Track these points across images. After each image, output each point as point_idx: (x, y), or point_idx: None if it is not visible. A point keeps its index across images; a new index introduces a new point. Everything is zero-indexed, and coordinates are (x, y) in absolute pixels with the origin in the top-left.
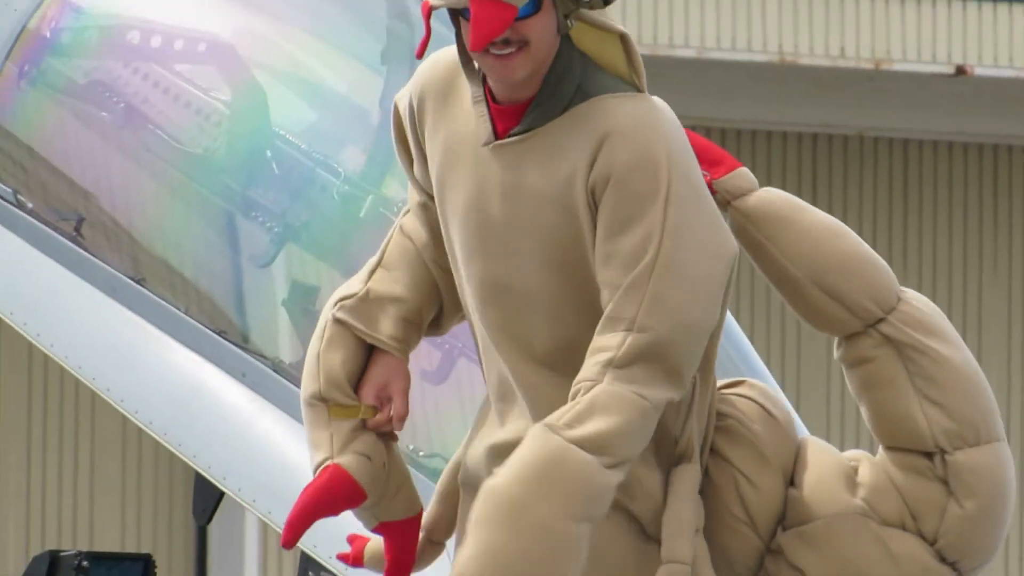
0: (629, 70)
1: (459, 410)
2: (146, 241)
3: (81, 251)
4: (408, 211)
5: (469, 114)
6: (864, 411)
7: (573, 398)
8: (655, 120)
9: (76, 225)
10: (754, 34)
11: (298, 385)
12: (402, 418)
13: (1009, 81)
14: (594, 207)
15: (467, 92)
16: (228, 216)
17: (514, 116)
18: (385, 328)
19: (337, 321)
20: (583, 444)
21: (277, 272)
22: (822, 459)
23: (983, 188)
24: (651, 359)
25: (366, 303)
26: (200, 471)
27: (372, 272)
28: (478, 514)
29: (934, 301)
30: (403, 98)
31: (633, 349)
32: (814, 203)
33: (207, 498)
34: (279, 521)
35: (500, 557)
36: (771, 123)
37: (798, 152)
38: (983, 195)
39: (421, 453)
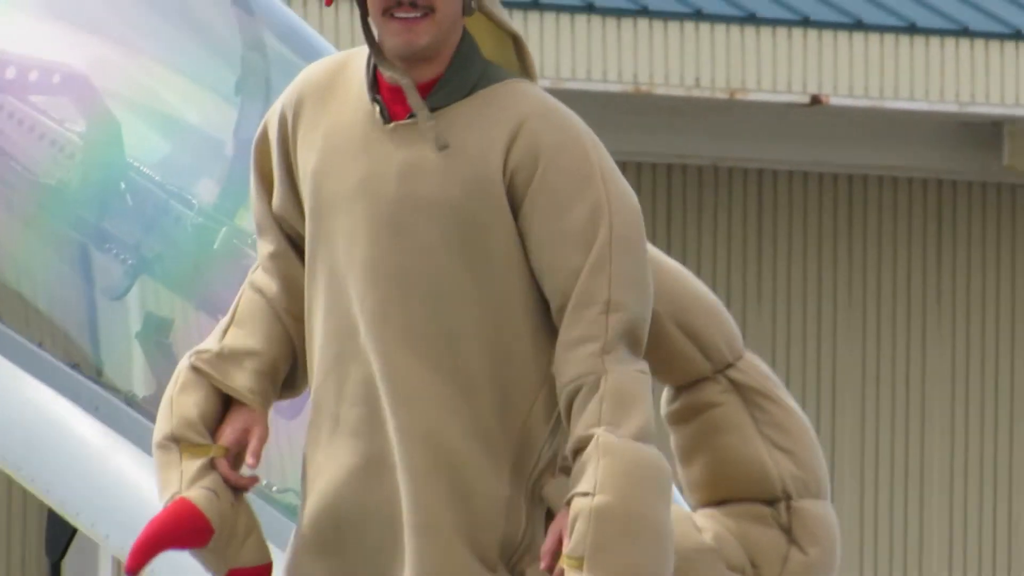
0: (521, 71)
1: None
2: (3, 275)
3: None
4: (257, 267)
5: (357, 104)
6: (700, 463)
7: (574, 394)
8: (562, 104)
9: None
10: (609, 64)
11: (152, 420)
12: (256, 455)
13: (864, 111)
14: (513, 189)
15: (353, 85)
16: (82, 248)
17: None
18: (241, 380)
19: (193, 368)
20: (640, 438)
21: (131, 304)
22: (702, 500)
23: (838, 217)
24: (629, 335)
25: (221, 359)
26: (52, 506)
27: (225, 330)
28: (598, 539)
29: (788, 331)
30: (274, 112)
31: (615, 329)
32: (669, 234)
33: (60, 533)
34: None
35: (645, 571)
36: (626, 153)
37: (652, 182)
38: (838, 224)
39: (275, 488)
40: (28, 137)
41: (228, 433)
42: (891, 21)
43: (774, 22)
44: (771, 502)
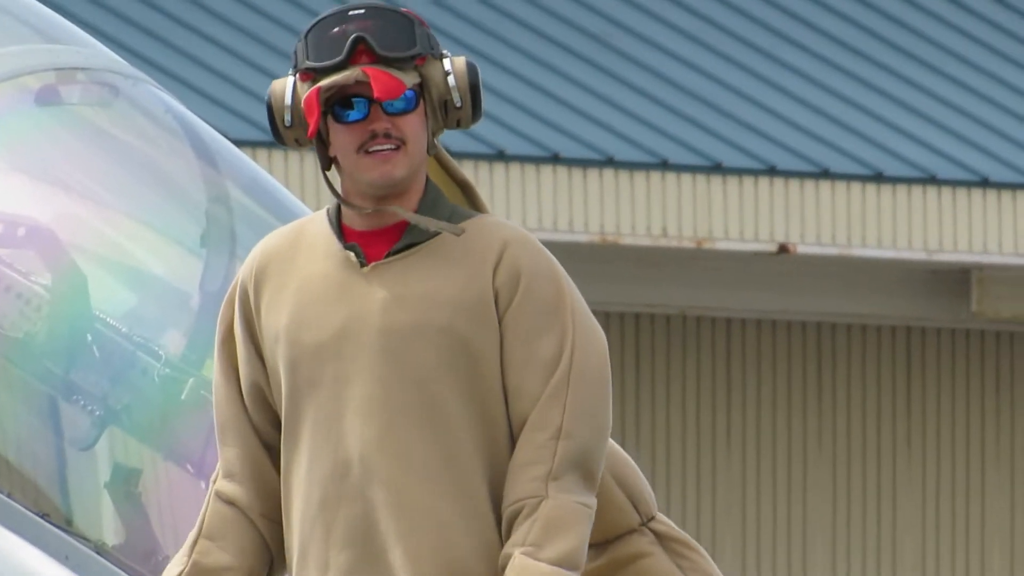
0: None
1: None
2: None
3: None
4: (218, 476)
5: (326, 257)
6: None
7: (515, 516)
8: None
9: None
10: (575, 214)
11: (122, 568)
12: None
13: (832, 259)
14: (497, 308)
15: (318, 242)
16: (50, 399)
17: (386, 240)
18: None
19: None
20: (562, 564)
21: (100, 454)
22: None
23: (807, 365)
24: (577, 466)
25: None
26: None
27: (193, 545)
28: None
29: (757, 478)
30: (234, 290)
31: (564, 458)
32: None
33: None
34: None
35: None
36: (594, 303)
37: (620, 331)
38: (807, 372)
39: None
40: None
41: None
42: (857, 170)
43: (740, 171)
44: None
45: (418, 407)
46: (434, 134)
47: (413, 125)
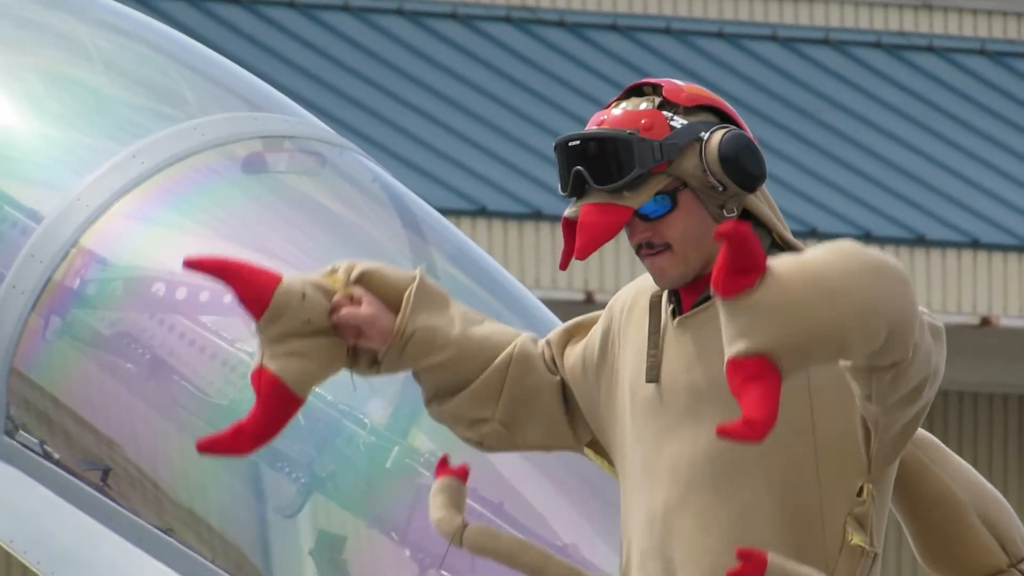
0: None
1: None
2: (172, 491)
3: (108, 500)
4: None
5: (646, 313)
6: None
7: None
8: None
9: (102, 475)
10: None
11: None
12: (341, 313)
13: None
14: None
15: (643, 299)
16: (254, 466)
17: (696, 290)
18: (420, 322)
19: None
20: None
21: (303, 522)
22: None
23: (1009, 439)
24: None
25: (430, 296)
26: None
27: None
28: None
29: None
30: (610, 309)
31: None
32: None
33: None
34: None
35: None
36: None
37: None
38: (1008, 445)
39: None
40: (200, 357)
41: (365, 306)
42: None
43: (943, 244)
44: None
45: (714, 465)
46: (722, 205)
47: (674, 225)
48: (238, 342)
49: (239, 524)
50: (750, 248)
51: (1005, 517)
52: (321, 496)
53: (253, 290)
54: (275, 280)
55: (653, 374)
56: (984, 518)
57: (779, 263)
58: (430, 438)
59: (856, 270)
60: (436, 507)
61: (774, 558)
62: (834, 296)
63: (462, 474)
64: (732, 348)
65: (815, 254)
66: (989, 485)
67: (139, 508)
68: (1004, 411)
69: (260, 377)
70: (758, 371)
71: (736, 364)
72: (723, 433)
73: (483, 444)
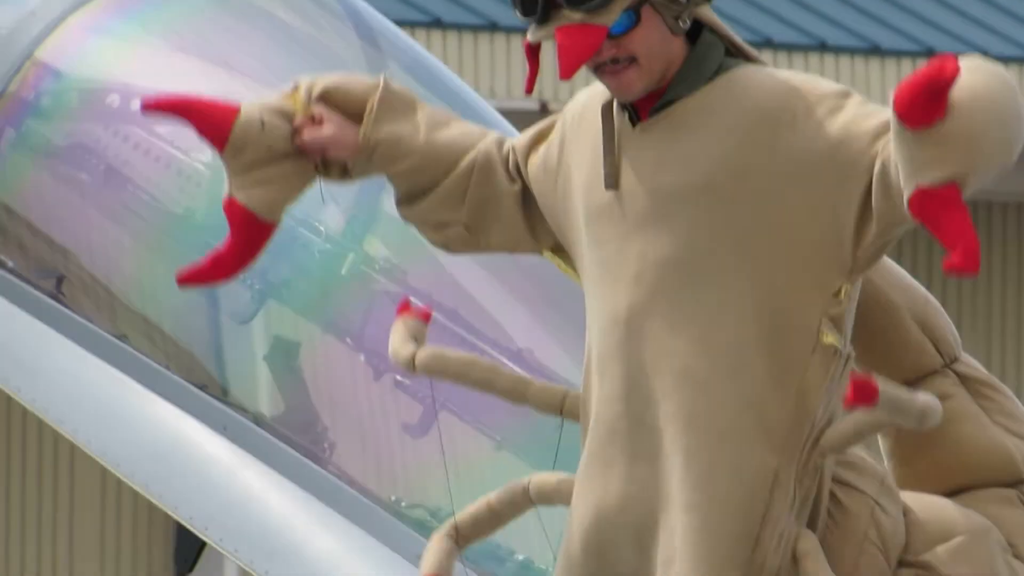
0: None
1: (439, 463)
2: (126, 298)
3: (62, 308)
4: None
5: (607, 118)
6: (930, 457)
7: None
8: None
9: (56, 283)
10: None
11: (280, 439)
12: (304, 136)
13: None
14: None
15: (596, 106)
16: None
17: (651, 99)
18: (385, 132)
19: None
20: None
21: (258, 328)
22: (925, 492)
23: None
24: None
25: (394, 103)
26: (183, 522)
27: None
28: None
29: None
30: (560, 119)
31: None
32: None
33: (189, 547)
34: (259, 571)
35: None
36: None
37: None
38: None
39: (403, 504)
40: (155, 167)
41: (327, 126)
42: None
43: (898, 53)
44: (1013, 484)
45: (683, 267)
46: (677, 16)
47: (639, 40)
48: (192, 151)
49: (193, 330)
50: (945, 77)
51: (938, 319)
52: (275, 302)
53: (212, 125)
54: (233, 112)
55: (612, 181)
56: (918, 320)
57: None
58: (385, 245)
59: (1006, 91)
60: (393, 340)
61: (885, 386)
62: (1006, 120)
63: (423, 316)
64: (923, 177)
65: (975, 79)
66: (921, 288)
67: (93, 315)
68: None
69: (231, 208)
70: (954, 199)
71: (929, 194)
72: (950, 267)
73: (449, 247)
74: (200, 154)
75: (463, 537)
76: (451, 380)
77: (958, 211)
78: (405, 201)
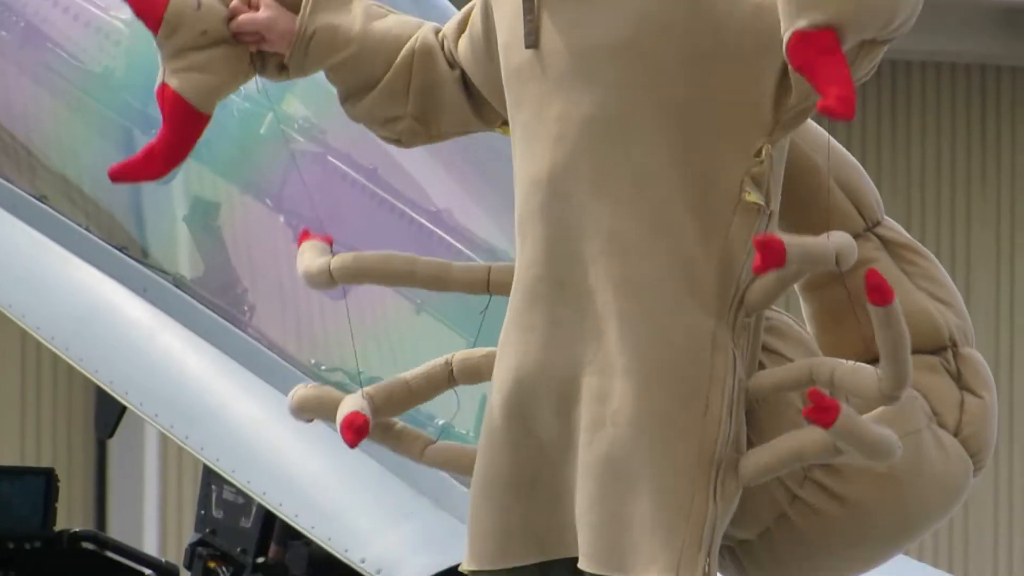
0: None
1: (359, 325)
2: (45, 157)
3: None
4: (440, 31)
5: None
6: (852, 323)
7: None
8: None
9: None
10: None
11: (200, 301)
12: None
13: None
14: None
15: None
16: (127, 132)
17: None
18: (320, 21)
19: None
20: None
21: (177, 189)
22: (848, 359)
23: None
24: None
25: None
26: (102, 385)
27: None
28: None
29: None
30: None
31: None
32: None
33: (109, 412)
34: (180, 435)
35: None
36: None
37: None
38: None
39: (323, 367)
40: (74, 25)
41: (263, 10)
42: None
43: None
44: (936, 351)
45: (606, 126)
46: None
47: None
48: (112, 10)
49: (112, 191)
50: None
51: (861, 182)
52: (194, 163)
53: (147, 2)
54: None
55: (532, 39)
56: (840, 182)
57: None
58: (304, 104)
59: None
60: (303, 260)
61: (790, 240)
62: None
63: (327, 240)
64: (801, 20)
65: None
66: (843, 149)
67: (12, 176)
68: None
69: (163, 95)
70: (831, 45)
71: (806, 37)
72: (823, 110)
73: (401, 141)
74: (119, 12)
75: (376, 409)
76: (371, 280)
77: (834, 56)
78: (348, 99)
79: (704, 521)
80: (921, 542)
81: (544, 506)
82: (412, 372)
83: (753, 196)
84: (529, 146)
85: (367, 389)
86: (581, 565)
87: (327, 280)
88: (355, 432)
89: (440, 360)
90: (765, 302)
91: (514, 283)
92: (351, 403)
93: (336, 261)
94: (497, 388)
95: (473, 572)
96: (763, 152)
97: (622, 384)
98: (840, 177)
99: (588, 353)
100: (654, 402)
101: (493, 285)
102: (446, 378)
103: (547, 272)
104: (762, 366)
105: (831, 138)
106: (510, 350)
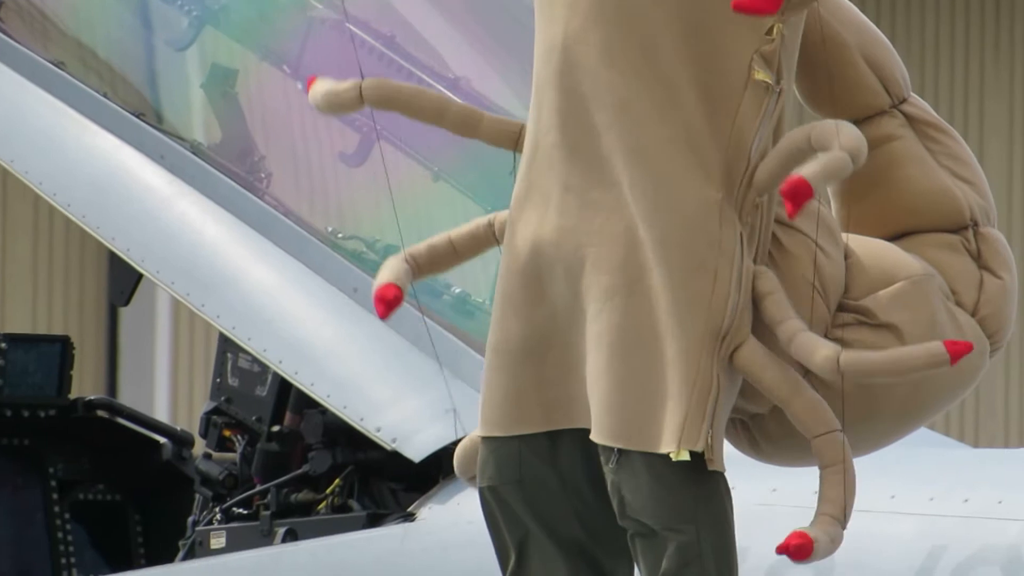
0: None
1: (376, 193)
2: (62, 23)
3: (0, 35)
4: None
5: None
6: (874, 198)
7: None
8: None
9: None
10: None
11: (216, 167)
12: None
13: None
14: None
15: None
16: None
17: None
18: None
19: None
20: None
21: (194, 55)
22: (868, 235)
23: None
24: None
25: None
26: (120, 253)
27: None
28: None
29: None
30: None
31: None
32: None
33: (125, 280)
34: (196, 303)
35: None
36: None
37: None
38: None
39: (340, 235)
40: None
41: None
42: None
43: None
44: (957, 230)
45: None
46: None
47: None
48: None
49: (130, 58)
50: None
51: (889, 58)
52: (213, 29)
53: None
54: None
55: None
56: (868, 59)
57: None
58: None
59: None
60: (323, 85)
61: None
62: None
63: None
64: None
65: None
66: (873, 26)
67: (29, 41)
68: None
69: None
70: None
71: None
72: (738, 7)
73: None
74: None
75: (419, 267)
76: (399, 110)
77: None
78: None
79: (708, 391)
80: None
81: (555, 375)
82: (456, 231)
83: (762, 74)
84: (546, 11)
85: (410, 251)
86: (592, 436)
87: (354, 99)
88: (387, 305)
89: (483, 220)
90: (773, 183)
91: (529, 149)
92: (389, 271)
93: (369, 82)
94: (514, 254)
95: (485, 439)
96: (775, 30)
97: (631, 254)
98: (868, 54)
99: (596, 222)
100: (662, 271)
101: (521, 145)
102: (490, 237)
103: (562, 139)
104: (775, 239)
105: (862, 16)
106: (528, 215)
